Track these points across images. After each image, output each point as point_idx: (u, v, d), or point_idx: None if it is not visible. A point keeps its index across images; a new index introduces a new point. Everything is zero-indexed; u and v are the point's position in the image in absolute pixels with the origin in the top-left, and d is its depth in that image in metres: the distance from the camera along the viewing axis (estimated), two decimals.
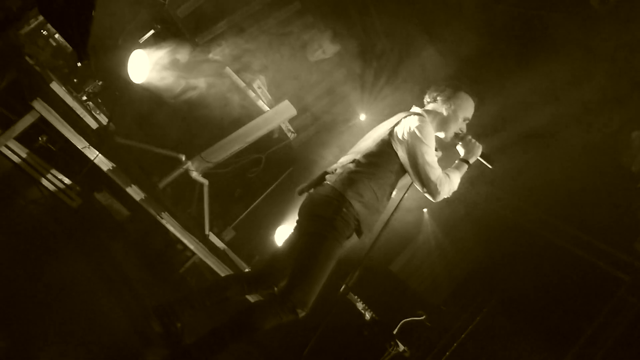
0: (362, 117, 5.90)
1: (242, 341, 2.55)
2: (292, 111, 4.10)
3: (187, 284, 4.36)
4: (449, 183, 2.73)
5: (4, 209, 2.85)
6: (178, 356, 2.47)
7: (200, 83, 4.40)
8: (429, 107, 2.95)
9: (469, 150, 2.88)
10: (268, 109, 4.13)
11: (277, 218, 4.80)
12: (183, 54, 4.11)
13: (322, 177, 2.77)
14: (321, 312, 2.63)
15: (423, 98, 3.00)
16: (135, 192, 3.49)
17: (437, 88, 2.95)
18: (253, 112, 4.17)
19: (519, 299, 5.77)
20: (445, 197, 2.76)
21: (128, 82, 3.57)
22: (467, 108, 2.92)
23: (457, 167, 2.86)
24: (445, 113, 2.89)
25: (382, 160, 2.71)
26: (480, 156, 2.89)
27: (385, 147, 2.72)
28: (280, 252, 2.96)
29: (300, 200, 2.82)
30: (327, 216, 2.58)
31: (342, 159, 2.81)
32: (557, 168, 5.51)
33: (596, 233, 5.77)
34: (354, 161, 2.73)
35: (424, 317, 4.29)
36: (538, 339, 5.49)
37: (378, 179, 2.68)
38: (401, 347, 4.53)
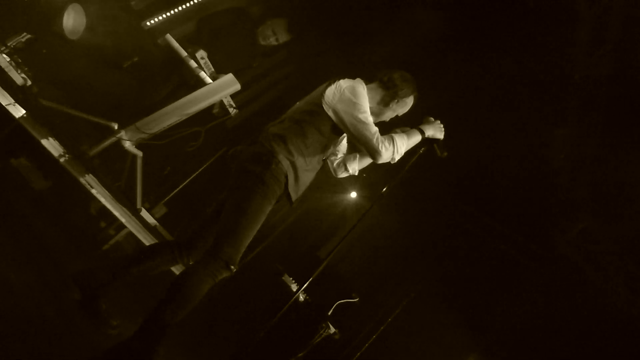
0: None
1: (183, 315, 2.39)
2: (236, 85, 3.95)
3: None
4: (394, 144, 2.66)
5: None
6: (121, 354, 2.25)
7: (137, 49, 4.15)
8: (372, 86, 2.88)
9: (430, 126, 2.86)
10: (210, 81, 3.95)
11: (212, 196, 4.63)
12: (121, 16, 3.85)
13: (253, 137, 2.72)
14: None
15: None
16: (64, 159, 3.21)
17: (392, 77, 2.87)
18: (194, 84, 3.98)
19: (443, 285, 6.02)
20: (389, 160, 2.70)
21: (60, 38, 3.27)
22: (407, 108, 2.94)
23: (408, 133, 2.80)
24: (390, 105, 2.86)
25: (312, 119, 2.68)
26: (438, 140, 2.87)
27: (315, 107, 2.69)
28: (211, 216, 2.85)
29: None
30: (256, 171, 2.53)
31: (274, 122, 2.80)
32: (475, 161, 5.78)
33: (513, 224, 6.13)
34: (283, 120, 2.73)
35: (357, 299, 4.34)
36: (458, 322, 5.77)
37: (306, 137, 2.65)
38: (332, 330, 4.56)
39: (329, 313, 4.28)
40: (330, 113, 2.65)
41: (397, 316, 5.61)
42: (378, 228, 6.33)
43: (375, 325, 5.48)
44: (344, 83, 2.68)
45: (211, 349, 4.66)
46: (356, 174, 3.10)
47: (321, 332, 4.46)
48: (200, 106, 3.90)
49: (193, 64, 3.93)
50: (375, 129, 2.63)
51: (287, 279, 4.52)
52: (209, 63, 3.98)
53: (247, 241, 2.51)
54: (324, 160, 2.91)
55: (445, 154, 2.88)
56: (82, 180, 3.30)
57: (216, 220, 2.79)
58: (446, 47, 4.97)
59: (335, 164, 3.13)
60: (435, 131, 2.87)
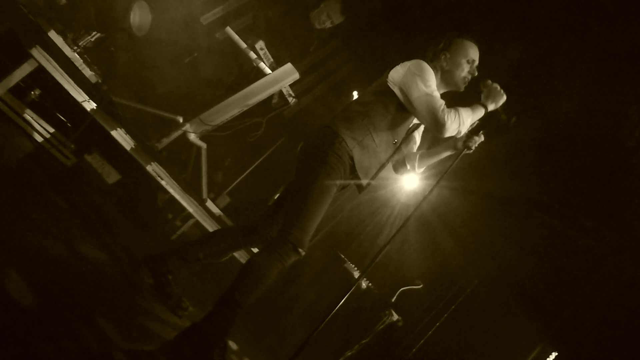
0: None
1: (252, 299, 2.41)
2: (295, 75, 3.98)
3: None
4: (458, 117, 2.58)
5: None
6: (194, 336, 2.29)
7: (198, 43, 4.25)
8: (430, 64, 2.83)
9: (489, 96, 2.73)
10: (270, 71, 4.00)
11: (273, 185, 4.70)
12: (185, 13, 3.95)
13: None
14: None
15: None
16: (135, 152, 3.35)
17: (433, 44, 2.86)
18: (254, 75, 4.03)
19: (509, 273, 5.84)
20: (454, 133, 2.62)
21: (127, 35, 3.40)
22: (467, 49, 2.78)
23: (472, 108, 2.69)
24: (445, 65, 2.78)
25: (378, 99, 2.66)
26: (501, 106, 2.72)
27: (380, 87, 2.68)
28: (275, 203, 2.89)
29: None
30: (319, 151, 2.53)
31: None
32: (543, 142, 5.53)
33: (583, 209, 5.85)
34: (350, 103, 2.74)
35: (421, 286, 4.29)
36: (522, 313, 5.58)
37: (373, 118, 2.62)
38: (395, 317, 4.54)
39: (393, 300, 4.25)
40: (395, 90, 2.63)
41: (461, 303, 5.51)
42: (441, 213, 6.22)
43: (438, 313, 5.41)
44: (408, 61, 2.67)
45: (276, 335, 4.76)
46: (417, 172, 2.98)
47: (384, 319, 4.44)
48: (260, 97, 3.96)
49: (252, 55, 3.98)
50: (441, 101, 2.57)
51: (349, 266, 4.53)
52: (268, 54, 4.02)
53: (314, 223, 2.48)
54: (397, 145, 2.79)
55: (514, 118, 2.70)
56: (151, 171, 3.42)
57: (281, 207, 2.81)
58: (518, 22, 4.78)
59: (394, 161, 3.01)
60: (496, 99, 2.73)
